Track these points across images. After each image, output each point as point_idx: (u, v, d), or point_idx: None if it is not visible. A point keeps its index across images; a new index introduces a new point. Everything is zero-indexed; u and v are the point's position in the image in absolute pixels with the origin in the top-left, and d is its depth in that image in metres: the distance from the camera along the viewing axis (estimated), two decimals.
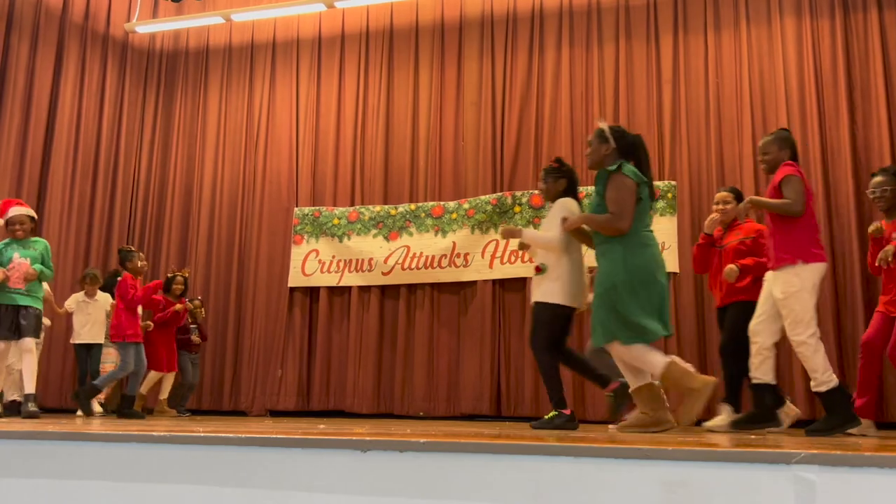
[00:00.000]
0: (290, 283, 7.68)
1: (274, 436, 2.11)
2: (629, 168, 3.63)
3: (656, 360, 3.52)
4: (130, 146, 8.32)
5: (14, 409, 5.67)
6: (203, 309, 7.33)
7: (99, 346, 6.63)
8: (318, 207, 7.80)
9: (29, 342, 5.01)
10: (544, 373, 4.19)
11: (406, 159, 7.65)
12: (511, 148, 7.34)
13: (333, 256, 7.60)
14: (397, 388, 7.16)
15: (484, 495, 1.82)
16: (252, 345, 7.68)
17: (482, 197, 7.26)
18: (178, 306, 6.73)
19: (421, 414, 6.95)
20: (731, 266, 4.56)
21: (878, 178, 4.25)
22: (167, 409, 6.82)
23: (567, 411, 4.12)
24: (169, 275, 6.97)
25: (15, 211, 5.29)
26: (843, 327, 6.08)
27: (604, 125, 3.82)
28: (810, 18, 6.61)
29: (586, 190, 6.81)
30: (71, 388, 7.28)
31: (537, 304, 4.23)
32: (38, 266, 5.12)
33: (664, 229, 6.66)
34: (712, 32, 6.93)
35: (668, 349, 6.45)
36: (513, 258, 7.07)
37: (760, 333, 3.90)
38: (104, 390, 6.50)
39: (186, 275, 7.05)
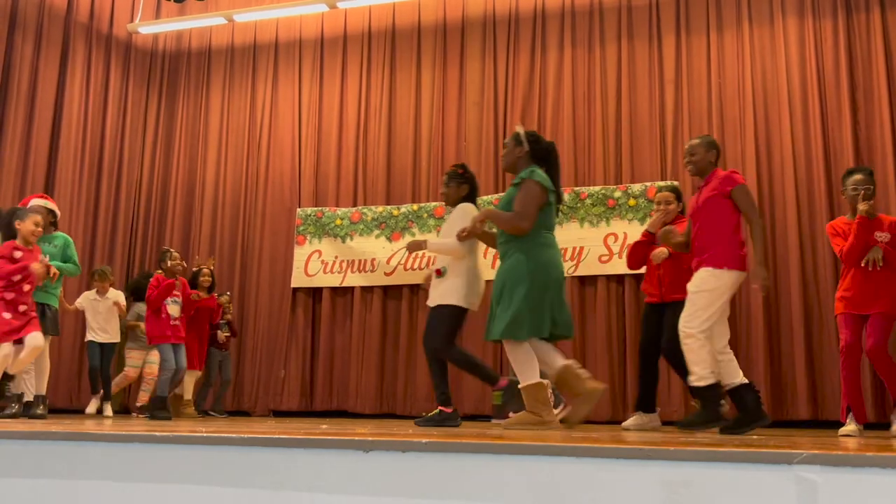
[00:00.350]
0: (293, 284, 7.69)
1: (276, 436, 2.11)
2: (540, 174, 3.91)
3: (547, 362, 3.80)
4: (134, 146, 8.33)
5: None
6: (231, 304, 7.18)
7: (112, 345, 6.48)
8: (320, 208, 7.81)
9: (44, 341, 4.94)
10: (436, 372, 4.30)
11: (408, 160, 7.65)
12: None
13: (336, 257, 7.60)
14: (400, 388, 7.16)
15: (486, 495, 1.83)
16: (255, 345, 7.69)
17: (484, 197, 7.25)
18: (224, 298, 6.62)
19: (423, 414, 6.94)
20: (661, 249, 4.65)
21: (858, 177, 4.29)
22: (191, 410, 6.57)
23: (449, 409, 4.25)
24: (194, 268, 6.80)
25: (33, 203, 5.21)
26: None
27: (520, 129, 4.09)
28: (813, 19, 6.60)
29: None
30: (78, 386, 7.30)
31: (435, 306, 4.33)
32: (56, 263, 5.05)
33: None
34: (714, 33, 6.93)
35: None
36: None
37: (710, 339, 3.95)
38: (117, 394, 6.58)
39: (212, 266, 6.87)
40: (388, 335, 7.32)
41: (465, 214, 4.30)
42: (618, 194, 6.84)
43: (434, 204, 7.42)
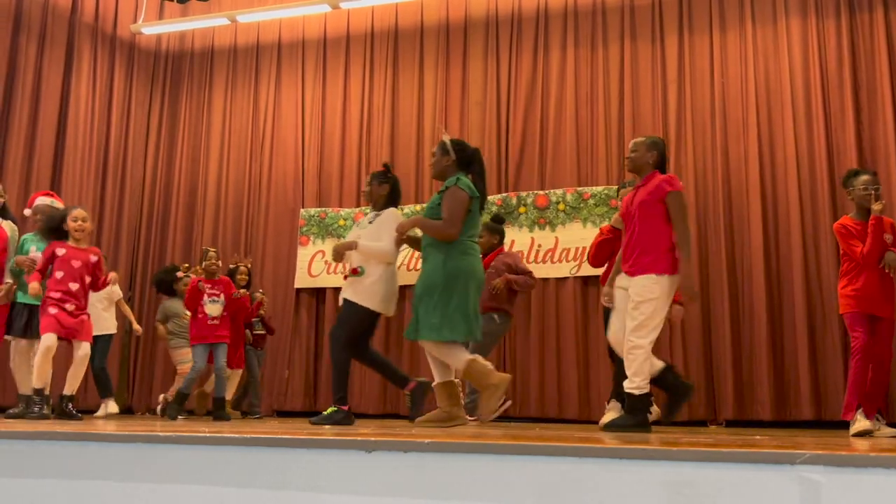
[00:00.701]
0: (297, 285, 7.69)
1: (279, 436, 2.12)
2: (465, 182, 4.03)
3: (461, 357, 3.90)
4: (138, 146, 8.35)
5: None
6: (266, 301, 7.01)
7: (102, 337, 6.18)
8: (323, 209, 7.81)
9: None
10: (338, 368, 4.34)
11: (411, 160, 7.65)
12: (516, 148, 7.34)
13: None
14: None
15: (488, 495, 1.83)
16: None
17: (487, 198, 7.24)
18: (258, 294, 6.55)
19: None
20: None
21: (866, 177, 4.31)
22: (231, 411, 6.25)
23: (346, 407, 4.30)
24: (231, 265, 6.67)
25: (38, 201, 5.22)
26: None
27: (446, 138, 4.22)
28: (816, 18, 6.59)
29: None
30: (84, 386, 7.31)
31: (350, 302, 4.38)
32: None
33: None
34: (717, 33, 6.92)
35: (675, 350, 6.44)
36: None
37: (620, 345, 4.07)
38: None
39: (249, 265, 6.77)
40: (391, 335, 7.32)
41: (396, 219, 4.41)
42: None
43: None
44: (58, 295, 4.81)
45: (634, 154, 4.06)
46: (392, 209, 4.50)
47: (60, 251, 4.90)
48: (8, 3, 7.16)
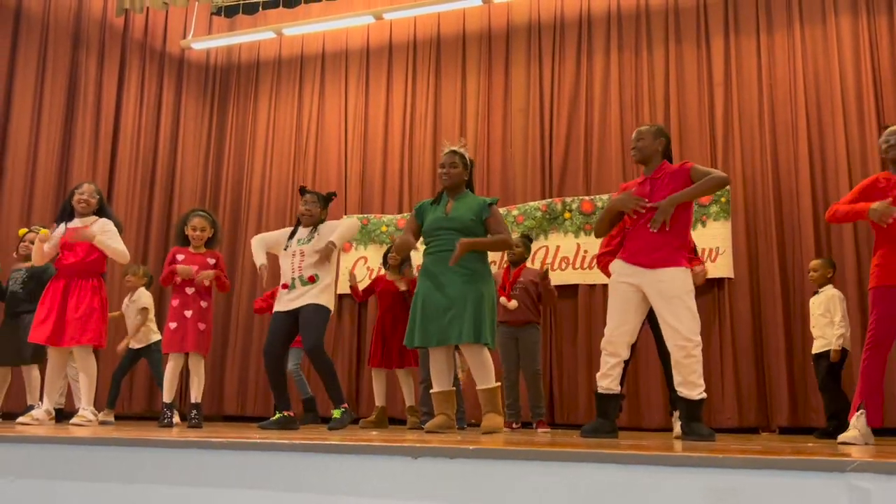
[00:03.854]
0: (339, 291, 7.77)
1: (326, 442, 2.16)
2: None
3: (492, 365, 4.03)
4: (186, 158, 8.56)
5: (63, 416, 5.65)
6: None
7: (143, 349, 6.04)
8: (366, 215, 7.90)
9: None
10: (330, 372, 4.44)
11: None
12: (560, 153, 7.32)
13: (380, 266, 7.67)
14: None
15: (533, 502, 1.83)
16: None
17: (531, 203, 7.24)
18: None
19: (472, 421, 6.96)
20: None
21: (891, 128, 3.79)
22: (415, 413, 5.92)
23: (346, 405, 4.44)
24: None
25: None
26: None
27: (466, 153, 4.26)
28: (867, 16, 6.44)
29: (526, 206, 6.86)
30: (129, 393, 7.51)
31: (316, 306, 4.47)
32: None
33: (718, 234, 6.55)
34: (765, 34, 6.81)
35: (725, 355, 6.34)
36: (563, 265, 7.04)
37: (626, 345, 3.67)
38: None
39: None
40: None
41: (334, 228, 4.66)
42: None
43: None
44: (176, 302, 4.92)
45: (641, 143, 3.75)
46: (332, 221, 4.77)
47: (180, 256, 5.00)
48: (66, 21, 7.42)
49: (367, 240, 7.79)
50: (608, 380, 3.65)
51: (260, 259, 4.69)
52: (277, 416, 4.44)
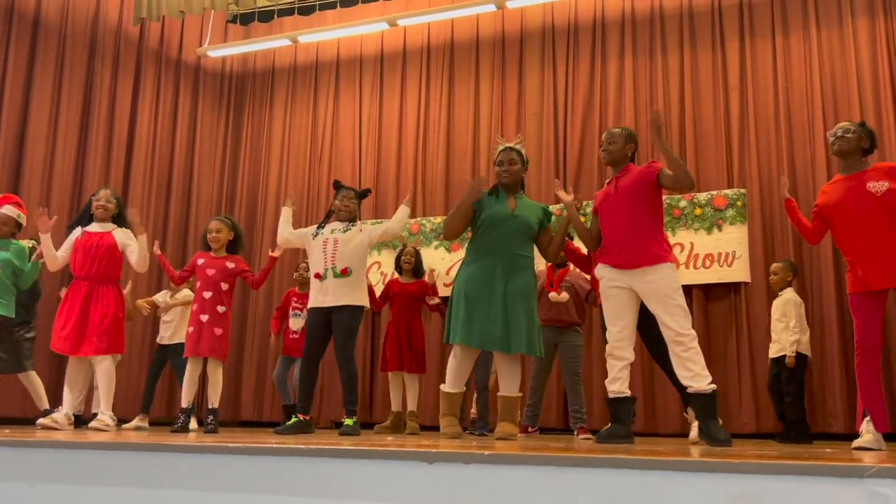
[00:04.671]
0: None
1: (342, 447, 2.16)
2: None
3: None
4: (202, 165, 8.62)
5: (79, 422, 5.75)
6: None
7: (170, 348, 6.11)
8: (380, 220, 7.91)
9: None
10: (354, 379, 4.49)
11: (467, 170, 7.69)
12: (574, 157, 7.30)
13: (394, 271, 7.67)
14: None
15: None
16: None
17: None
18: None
19: (482, 431, 6.94)
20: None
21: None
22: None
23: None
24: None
25: (6, 209, 4.99)
26: None
27: (522, 147, 4.22)
28: (884, 18, 6.39)
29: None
30: (168, 396, 7.58)
31: (353, 308, 4.44)
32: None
33: (734, 238, 6.52)
34: (780, 36, 6.77)
35: (742, 360, 6.29)
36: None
37: (630, 348, 3.65)
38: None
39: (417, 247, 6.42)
40: (449, 347, 7.33)
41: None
42: (683, 204, 6.74)
43: None
44: (195, 306, 4.96)
45: (613, 146, 3.80)
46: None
47: (200, 261, 5.06)
48: (83, 31, 7.50)
49: (381, 245, 7.80)
50: (618, 383, 3.64)
51: (287, 229, 4.75)
52: (294, 420, 4.44)
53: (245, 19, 8.99)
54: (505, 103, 7.72)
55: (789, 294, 5.45)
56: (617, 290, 3.64)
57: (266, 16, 8.88)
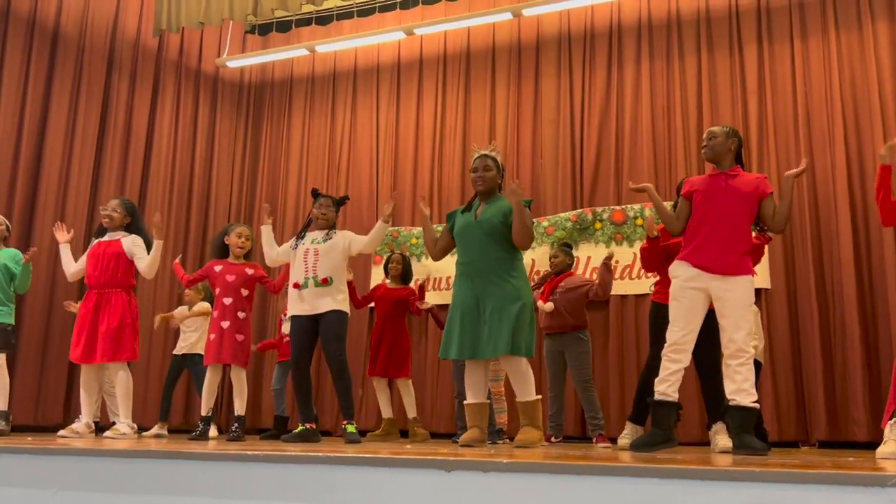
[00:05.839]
0: (372, 304, 7.80)
1: (361, 455, 2.17)
2: None
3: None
4: (221, 174, 8.69)
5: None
6: None
7: (187, 358, 6.16)
8: (396, 227, 7.93)
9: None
10: (349, 385, 4.48)
11: None
12: (591, 163, 7.29)
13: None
14: None
15: None
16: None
17: (561, 214, 7.22)
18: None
19: (505, 435, 6.92)
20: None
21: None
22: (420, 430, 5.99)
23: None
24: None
25: None
26: None
27: (497, 154, 4.27)
28: None
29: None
30: (186, 404, 7.63)
31: (339, 314, 4.47)
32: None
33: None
34: (798, 40, 6.72)
35: (763, 368, 6.23)
36: (594, 275, 6.98)
37: (690, 352, 3.55)
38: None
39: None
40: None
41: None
42: None
43: None
44: (216, 313, 4.96)
45: (713, 141, 3.70)
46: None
47: (217, 268, 5.04)
48: (102, 43, 7.60)
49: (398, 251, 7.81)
50: (665, 385, 3.49)
51: (273, 250, 4.78)
52: (300, 428, 4.44)
53: (263, 30, 9.07)
54: (521, 110, 7.73)
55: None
56: (693, 293, 3.53)
57: (284, 26, 8.95)
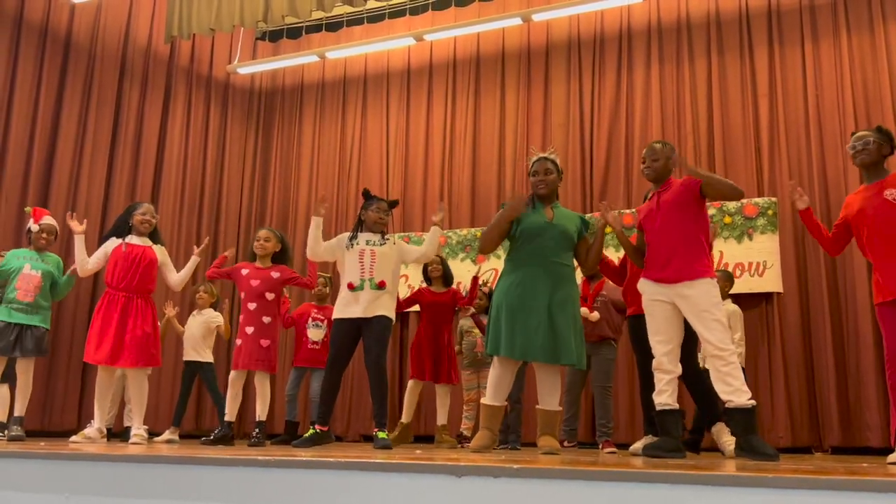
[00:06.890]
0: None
1: (372, 460, 2.17)
2: None
3: None
4: (232, 181, 8.73)
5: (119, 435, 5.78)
6: None
7: (197, 365, 6.14)
8: (407, 233, 7.94)
9: (26, 363, 4.85)
10: (384, 392, 4.38)
11: (493, 182, 7.70)
12: (600, 167, 7.28)
13: (422, 281, 7.67)
14: None
15: None
16: (346, 371, 7.79)
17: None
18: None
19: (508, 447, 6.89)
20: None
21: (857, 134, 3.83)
22: (446, 438, 5.89)
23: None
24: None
25: (48, 220, 5.08)
26: None
27: (556, 156, 4.28)
28: None
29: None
30: (196, 411, 7.65)
31: (388, 319, 4.41)
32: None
33: (765, 247, 6.44)
34: (810, 43, 6.70)
35: (775, 372, 6.20)
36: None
37: (676, 361, 3.61)
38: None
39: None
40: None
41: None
42: (713, 211, 6.66)
43: None
44: (241, 318, 4.96)
45: (657, 163, 3.76)
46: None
47: (244, 271, 5.03)
48: (114, 51, 7.66)
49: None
50: (663, 395, 3.59)
51: (318, 245, 4.60)
52: (311, 432, 4.39)
53: (273, 36, 9.12)
54: (531, 115, 7.73)
55: (730, 305, 5.24)
56: (659, 305, 3.64)
57: (294, 32, 9.00)
